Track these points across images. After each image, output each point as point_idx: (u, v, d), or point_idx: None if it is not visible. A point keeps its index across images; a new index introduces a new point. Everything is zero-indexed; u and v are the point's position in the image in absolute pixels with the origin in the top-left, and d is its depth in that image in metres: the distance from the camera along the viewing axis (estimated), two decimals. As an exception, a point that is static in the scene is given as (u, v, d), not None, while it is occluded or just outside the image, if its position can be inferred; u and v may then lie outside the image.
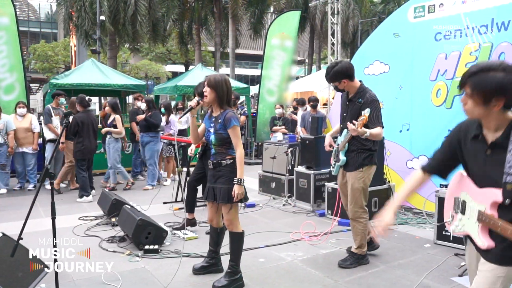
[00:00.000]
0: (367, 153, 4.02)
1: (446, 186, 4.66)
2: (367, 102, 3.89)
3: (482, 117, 1.93)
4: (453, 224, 2.18)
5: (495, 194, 1.89)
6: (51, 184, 3.14)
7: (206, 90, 3.50)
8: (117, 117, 7.45)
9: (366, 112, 3.66)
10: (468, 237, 2.11)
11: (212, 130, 3.55)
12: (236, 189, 3.40)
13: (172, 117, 8.44)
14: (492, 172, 1.91)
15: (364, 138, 3.92)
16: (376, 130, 3.86)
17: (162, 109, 8.41)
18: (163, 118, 8.17)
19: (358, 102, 3.96)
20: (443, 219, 4.52)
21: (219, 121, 3.47)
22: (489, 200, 1.92)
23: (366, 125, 3.82)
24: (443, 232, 4.64)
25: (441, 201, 4.64)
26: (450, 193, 2.22)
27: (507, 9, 5.29)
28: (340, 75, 3.94)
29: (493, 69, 1.82)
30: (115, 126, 7.42)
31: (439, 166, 2.22)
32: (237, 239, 3.63)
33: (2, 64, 9.16)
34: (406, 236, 5.06)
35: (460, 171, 2.17)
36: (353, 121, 3.80)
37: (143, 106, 8.09)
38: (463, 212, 2.10)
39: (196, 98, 3.61)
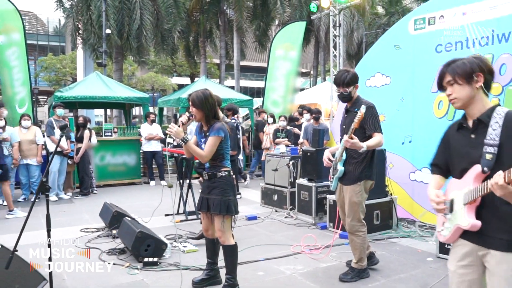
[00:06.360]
0: (364, 164, 3.96)
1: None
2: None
3: (469, 101, 2.09)
4: (444, 228, 2.16)
5: (475, 169, 2.01)
6: (47, 196, 3.15)
7: (193, 110, 3.54)
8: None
9: (362, 109, 3.57)
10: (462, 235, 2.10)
11: (203, 145, 3.58)
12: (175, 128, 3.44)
13: None
14: (474, 153, 2.03)
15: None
16: (372, 142, 3.81)
17: None
18: None
19: (354, 112, 3.90)
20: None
21: (208, 135, 3.52)
22: (471, 177, 2.00)
23: (363, 129, 3.83)
24: (446, 246, 4.58)
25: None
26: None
27: (507, 20, 5.28)
28: (355, 79, 4.02)
29: (460, 59, 2.13)
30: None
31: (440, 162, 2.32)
32: (231, 252, 3.63)
33: (17, 78, 9.39)
34: (408, 250, 5.00)
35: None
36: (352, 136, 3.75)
37: None
38: (451, 210, 2.11)
39: (187, 114, 3.61)
